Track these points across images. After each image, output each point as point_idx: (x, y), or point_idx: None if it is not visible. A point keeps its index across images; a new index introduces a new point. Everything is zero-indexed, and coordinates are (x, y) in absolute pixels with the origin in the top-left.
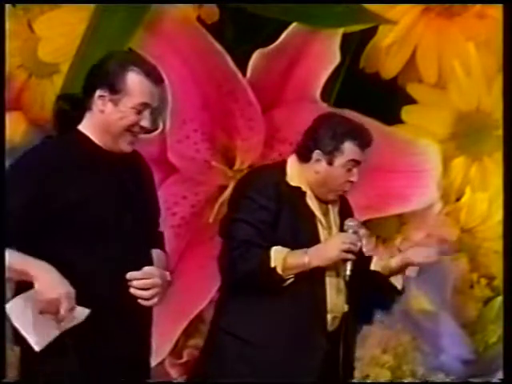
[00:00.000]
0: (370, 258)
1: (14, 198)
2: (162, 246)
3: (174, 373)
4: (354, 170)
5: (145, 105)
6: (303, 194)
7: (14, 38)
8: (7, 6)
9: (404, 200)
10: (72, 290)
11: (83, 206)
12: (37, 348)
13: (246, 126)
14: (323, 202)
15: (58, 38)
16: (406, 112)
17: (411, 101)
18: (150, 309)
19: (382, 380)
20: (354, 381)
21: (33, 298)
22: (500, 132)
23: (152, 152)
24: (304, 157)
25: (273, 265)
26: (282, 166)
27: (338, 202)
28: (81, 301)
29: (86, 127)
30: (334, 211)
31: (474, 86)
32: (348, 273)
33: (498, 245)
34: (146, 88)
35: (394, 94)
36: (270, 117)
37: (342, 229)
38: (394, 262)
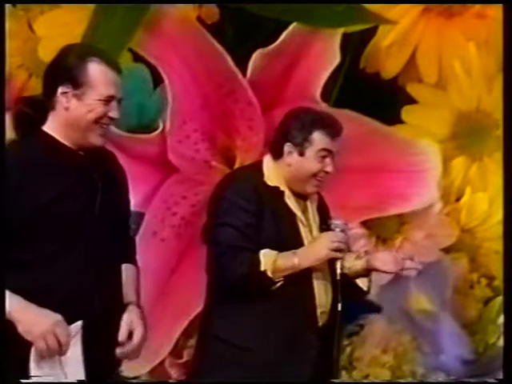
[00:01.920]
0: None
1: None
2: (132, 254)
3: (173, 373)
4: (328, 160)
5: (111, 96)
6: (281, 193)
7: (14, 37)
8: (7, 6)
9: (404, 200)
10: (58, 317)
11: (51, 208)
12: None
13: (246, 125)
14: (301, 198)
15: (58, 38)
16: (406, 112)
17: (411, 101)
18: (120, 308)
19: (382, 380)
20: (354, 381)
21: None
22: (500, 132)
23: (152, 152)
24: (277, 153)
25: (263, 268)
26: (258, 167)
27: (315, 199)
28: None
29: (50, 127)
30: (312, 208)
31: (474, 86)
32: (339, 271)
33: (498, 245)
34: (108, 78)
35: (394, 94)
36: (270, 117)
37: (321, 226)
38: (360, 264)
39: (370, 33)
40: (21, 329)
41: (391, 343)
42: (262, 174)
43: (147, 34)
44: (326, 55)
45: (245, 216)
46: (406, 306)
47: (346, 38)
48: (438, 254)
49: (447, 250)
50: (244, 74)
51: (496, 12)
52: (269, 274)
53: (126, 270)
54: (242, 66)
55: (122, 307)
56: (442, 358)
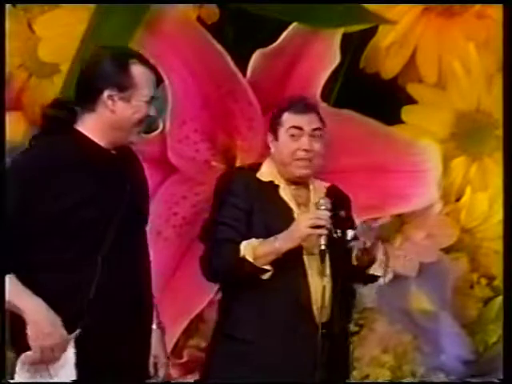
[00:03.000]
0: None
1: (10, 199)
2: (148, 259)
3: (174, 373)
4: (303, 139)
5: (152, 96)
6: (276, 187)
7: (14, 38)
8: (7, 6)
9: (404, 200)
10: (65, 335)
11: (82, 207)
12: None
13: (246, 126)
14: (303, 187)
15: (57, 38)
16: (406, 112)
17: (411, 101)
18: (148, 309)
19: (382, 380)
20: (354, 381)
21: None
22: (500, 132)
23: (152, 152)
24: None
25: (241, 254)
26: (255, 166)
27: (322, 190)
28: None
29: (85, 127)
30: (315, 199)
31: (473, 85)
32: (322, 247)
33: (498, 245)
34: (149, 77)
35: (394, 94)
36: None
37: None
38: (366, 257)
39: (370, 33)
40: (29, 331)
41: (391, 343)
42: (255, 171)
43: (147, 33)
44: (326, 55)
45: (234, 212)
46: (406, 306)
47: (346, 38)
48: (437, 254)
49: (447, 250)
50: (244, 74)
51: (496, 12)
52: (249, 259)
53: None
54: (242, 66)
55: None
56: (442, 358)
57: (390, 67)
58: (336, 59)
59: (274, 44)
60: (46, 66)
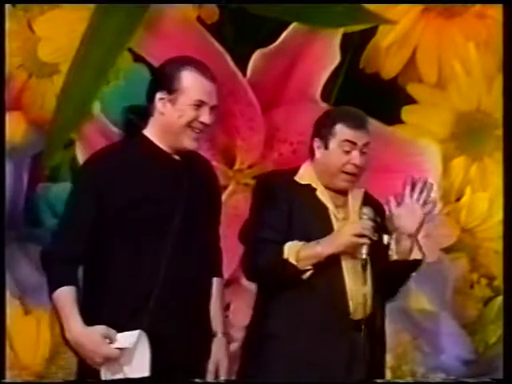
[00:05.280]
0: (386, 251)
1: (82, 198)
2: (218, 265)
3: None
4: (354, 153)
5: (201, 101)
6: (313, 190)
7: (14, 38)
8: (7, 5)
9: None
10: (109, 348)
11: (141, 206)
12: None
13: (246, 126)
14: (340, 193)
15: (58, 37)
16: (406, 112)
17: (411, 101)
18: (206, 307)
19: (382, 380)
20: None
21: None
22: (500, 132)
23: None
24: (311, 153)
25: (285, 257)
26: (292, 169)
27: (360, 195)
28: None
29: (149, 131)
30: (353, 204)
31: (473, 85)
32: (364, 256)
33: (498, 245)
34: (200, 84)
35: (394, 94)
36: (270, 117)
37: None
38: (405, 244)
39: (370, 33)
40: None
41: (391, 343)
42: (293, 174)
43: (147, 33)
44: (326, 55)
45: (275, 213)
46: (406, 306)
47: (346, 38)
48: (437, 253)
49: (447, 250)
50: (244, 74)
51: (496, 12)
52: (292, 261)
53: (216, 285)
54: (242, 66)
55: (205, 325)
56: (442, 358)
57: (390, 67)
58: (336, 59)
59: (274, 44)
60: (45, 65)
